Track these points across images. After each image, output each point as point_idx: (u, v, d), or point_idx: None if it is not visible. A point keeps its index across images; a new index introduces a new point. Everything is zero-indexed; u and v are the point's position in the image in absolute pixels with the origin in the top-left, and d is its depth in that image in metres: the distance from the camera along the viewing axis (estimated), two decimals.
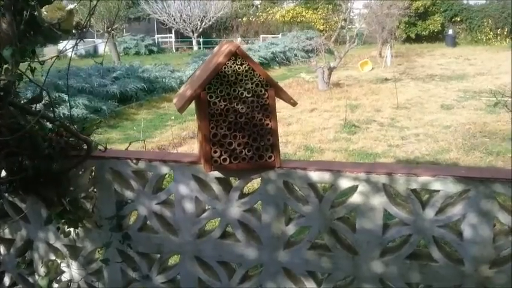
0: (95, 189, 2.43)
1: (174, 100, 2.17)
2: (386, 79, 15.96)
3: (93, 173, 2.44)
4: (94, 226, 2.47)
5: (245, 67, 2.01)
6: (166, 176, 2.39)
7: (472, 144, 8.17)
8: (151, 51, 30.07)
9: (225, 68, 1.99)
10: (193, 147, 8.70)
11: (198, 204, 2.29)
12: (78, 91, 12.75)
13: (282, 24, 30.85)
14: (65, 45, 2.12)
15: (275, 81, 2.01)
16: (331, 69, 14.19)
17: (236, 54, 1.99)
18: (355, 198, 2.03)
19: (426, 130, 9.25)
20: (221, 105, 2.02)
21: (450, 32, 27.58)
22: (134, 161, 2.30)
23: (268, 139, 2.06)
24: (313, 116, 11.04)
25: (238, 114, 2.04)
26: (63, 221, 2.37)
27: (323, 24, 23.36)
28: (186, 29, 31.86)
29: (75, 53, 26.91)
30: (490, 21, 27.48)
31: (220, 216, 2.25)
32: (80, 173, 2.43)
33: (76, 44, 2.09)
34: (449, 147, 8.06)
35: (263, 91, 2.04)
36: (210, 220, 2.35)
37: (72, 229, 2.42)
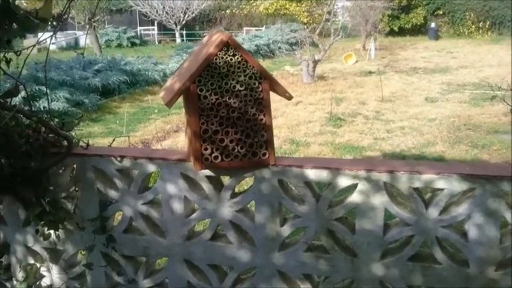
0: (77, 189, 2.28)
1: (161, 94, 2.03)
2: (370, 72, 15.92)
3: (74, 172, 2.28)
4: (76, 228, 2.32)
5: (238, 58, 1.88)
6: (153, 174, 2.24)
7: (457, 137, 8.18)
8: (133, 44, 29.66)
9: (216, 59, 1.86)
10: (177, 141, 8.54)
11: (187, 204, 2.16)
12: (59, 84, 12.48)
13: (265, 17, 30.64)
14: (42, 36, 1.96)
15: (269, 74, 1.88)
16: (315, 62, 14.10)
17: (228, 45, 1.86)
18: (355, 198, 1.92)
19: (411, 123, 9.25)
20: (212, 99, 1.89)
21: (433, 25, 27.67)
22: (118, 159, 2.16)
23: (262, 135, 1.93)
24: (298, 109, 10.97)
25: (230, 109, 1.91)
26: (42, 222, 2.22)
27: (307, 17, 23.20)
28: (169, 21, 31.47)
29: (56, 46, 26.44)
30: (472, 14, 27.63)
31: (211, 217, 2.13)
32: (60, 171, 2.28)
33: (55, 33, 1.93)
34: (435, 140, 8.05)
35: (257, 84, 1.91)
36: (200, 221, 2.22)
37: (52, 231, 2.27)
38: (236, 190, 2.11)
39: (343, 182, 1.91)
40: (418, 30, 29.46)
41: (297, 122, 9.57)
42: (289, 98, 1.94)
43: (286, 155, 7.53)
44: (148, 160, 2.12)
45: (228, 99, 1.89)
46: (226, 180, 2.11)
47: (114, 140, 2.47)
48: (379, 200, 1.88)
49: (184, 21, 31.76)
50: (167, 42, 31.78)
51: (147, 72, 15.25)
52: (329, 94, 11.69)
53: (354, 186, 1.91)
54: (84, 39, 25.56)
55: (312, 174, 1.94)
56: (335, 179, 1.91)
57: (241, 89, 1.90)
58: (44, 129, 2.15)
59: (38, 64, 13.18)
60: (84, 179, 2.24)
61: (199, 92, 1.86)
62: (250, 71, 1.89)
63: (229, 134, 1.91)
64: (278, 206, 2.03)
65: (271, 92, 1.95)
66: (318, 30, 15.84)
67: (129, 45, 29.25)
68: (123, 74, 14.24)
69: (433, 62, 18.27)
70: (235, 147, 1.92)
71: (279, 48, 22.36)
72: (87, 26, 19.56)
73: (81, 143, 2.28)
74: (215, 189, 2.09)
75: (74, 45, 29.01)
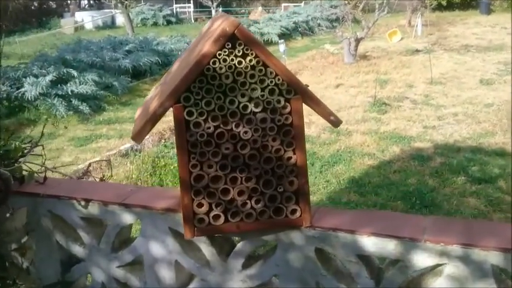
0: (30, 240, 1.61)
1: (136, 114, 1.32)
2: (417, 50, 14.92)
3: (25, 217, 1.61)
4: None
5: (251, 61, 1.14)
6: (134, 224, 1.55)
7: None
8: (169, 22, 29.16)
9: (214, 62, 1.12)
10: None
11: (180, 271, 1.46)
12: (89, 66, 12.11)
13: None
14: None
15: (302, 84, 1.13)
16: (358, 40, 13.17)
17: (235, 38, 1.12)
18: (440, 284, 1.17)
19: (465, 109, 8.44)
20: (209, 128, 1.18)
21: None
22: (82, 203, 1.47)
23: (291, 182, 1.21)
24: (338, 92, 10.24)
25: (239, 142, 1.18)
26: None
27: None
28: None
29: (92, 24, 26.25)
30: None
31: None
32: (8, 215, 1.61)
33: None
34: (494, 129, 7.28)
35: (282, 102, 1.18)
36: None
37: None
38: (251, 256, 1.39)
39: (422, 259, 1.17)
40: (468, 4, 27.70)
41: (337, 107, 8.82)
42: (336, 124, 1.20)
43: (326, 145, 6.86)
44: (123, 207, 1.42)
45: (235, 127, 1.17)
46: (236, 239, 1.40)
47: (90, 165, 1.78)
48: None
49: None
50: (203, 20, 31.13)
51: (180, 53, 14.62)
52: (372, 75, 10.98)
53: (439, 268, 1.16)
54: (119, 18, 25.23)
55: (371, 244, 1.20)
56: (408, 255, 1.17)
57: (257, 110, 1.18)
58: None
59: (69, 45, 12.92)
60: (38, 227, 1.57)
61: (187, 117, 1.14)
62: (271, 81, 1.17)
63: (237, 181, 1.20)
64: (314, 284, 1.30)
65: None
66: (361, 6, 14.79)
67: (165, 23, 28.83)
68: (154, 54, 13.70)
69: (487, 39, 16.95)
70: (248, 201, 1.21)
71: (319, 25, 21.55)
72: (119, 5, 19.00)
73: (39, 175, 1.60)
74: (220, 253, 1.39)
75: (111, 24, 28.86)
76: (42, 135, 1.66)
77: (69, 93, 9.94)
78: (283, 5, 31.72)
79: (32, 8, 30.10)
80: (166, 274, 1.48)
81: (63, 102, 9.60)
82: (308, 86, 1.18)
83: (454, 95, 9.40)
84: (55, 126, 8.36)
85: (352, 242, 1.25)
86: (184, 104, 1.15)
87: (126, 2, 17.92)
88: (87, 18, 27.75)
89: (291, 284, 1.34)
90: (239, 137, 1.20)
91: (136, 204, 1.43)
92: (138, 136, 1.15)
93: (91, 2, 34.29)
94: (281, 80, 1.18)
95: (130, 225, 1.52)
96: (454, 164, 5.82)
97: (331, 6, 22.49)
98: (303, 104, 1.20)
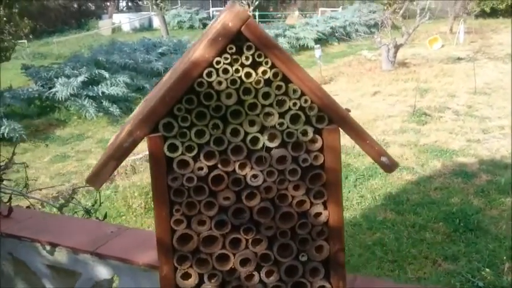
0: None
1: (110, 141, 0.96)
2: (459, 58, 14.44)
3: None
4: None
5: (264, 72, 0.77)
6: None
7: None
8: (205, 25, 29.31)
9: (210, 74, 0.75)
10: None
11: None
12: (121, 67, 12.20)
13: None
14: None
15: (342, 109, 0.75)
16: (397, 47, 12.72)
17: (241, 39, 0.74)
18: None
19: None
20: (201, 169, 0.81)
21: None
22: (48, 248, 1.12)
23: (319, 248, 0.84)
24: (375, 100, 9.90)
25: (244, 191, 0.81)
26: None
27: None
28: (242, 2, 30.66)
29: (129, 26, 26.60)
30: None
31: None
32: None
33: None
34: None
35: (310, 134, 0.80)
36: None
37: None
38: None
39: None
40: None
41: (374, 117, 8.56)
42: (390, 167, 0.81)
43: (361, 156, 6.57)
44: (95, 258, 1.06)
45: (239, 169, 0.81)
46: None
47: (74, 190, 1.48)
48: None
49: (257, 2, 30.88)
50: None
51: None
52: (412, 84, 10.51)
53: None
54: (156, 20, 25.43)
55: None
56: None
57: (272, 145, 0.80)
58: None
59: (103, 47, 13.07)
60: None
61: (168, 153, 0.78)
62: (294, 103, 0.82)
63: (240, 245, 0.85)
64: None
65: None
66: (401, 11, 14.34)
67: (201, 26, 28.98)
68: None
69: None
70: (255, 273, 0.82)
71: (356, 31, 21.22)
72: (155, 7, 19.03)
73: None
74: None
75: (148, 27, 29.25)
76: (13, 155, 1.33)
77: (100, 94, 9.99)
78: (320, 9, 31.45)
79: (72, 9, 30.73)
80: None
81: (93, 104, 9.63)
82: (349, 111, 0.80)
83: (499, 106, 8.94)
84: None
85: None
86: (164, 134, 0.79)
87: (161, 4, 17.90)
88: (124, 20, 28.16)
89: None
90: (245, 182, 0.82)
91: (112, 256, 1.08)
92: (95, 178, 0.79)
93: (129, 4, 34.76)
94: (309, 101, 0.79)
95: (109, 281, 1.17)
96: (501, 183, 5.43)
97: (370, 12, 22.06)
98: (339, 137, 0.81)
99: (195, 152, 0.83)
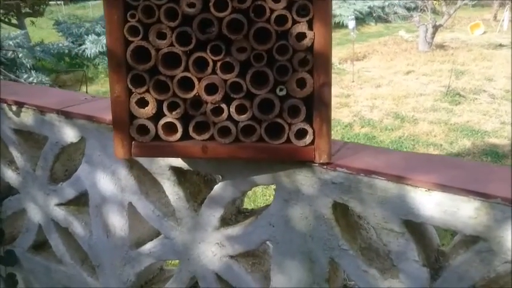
0: None
1: None
2: (501, 45, 14.04)
3: None
4: None
5: None
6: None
7: None
8: None
9: None
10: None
11: (135, 220, 0.98)
12: None
13: None
14: None
15: None
16: (436, 28, 12.38)
17: None
18: None
19: None
20: None
21: None
22: (14, 108, 1.02)
23: (301, 81, 0.68)
24: (408, 79, 9.65)
25: None
26: None
27: None
28: None
29: None
30: None
31: (180, 258, 0.93)
32: None
33: None
34: None
35: None
36: (161, 261, 1.03)
37: None
38: (236, 206, 0.89)
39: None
40: None
41: (405, 94, 8.35)
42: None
43: (388, 130, 6.44)
44: (62, 118, 0.95)
45: None
46: (217, 177, 0.90)
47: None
48: None
49: None
50: None
51: None
52: (448, 65, 10.29)
53: None
54: None
55: (432, 204, 0.66)
56: (498, 229, 0.62)
57: None
58: None
59: None
60: None
61: None
62: None
63: (207, 67, 0.67)
64: (327, 262, 0.78)
65: None
66: None
67: None
68: None
69: None
70: (224, 106, 0.68)
71: (395, 12, 20.67)
72: None
73: None
74: (189, 198, 0.89)
75: None
76: None
77: None
78: None
79: None
80: (117, 222, 1.00)
81: None
82: None
83: None
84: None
85: (397, 198, 0.72)
86: None
87: None
88: None
89: (290, 256, 0.82)
90: None
91: (79, 114, 0.96)
92: None
93: None
94: None
95: (76, 145, 1.05)
96: None
97: None
98: None
99: None
